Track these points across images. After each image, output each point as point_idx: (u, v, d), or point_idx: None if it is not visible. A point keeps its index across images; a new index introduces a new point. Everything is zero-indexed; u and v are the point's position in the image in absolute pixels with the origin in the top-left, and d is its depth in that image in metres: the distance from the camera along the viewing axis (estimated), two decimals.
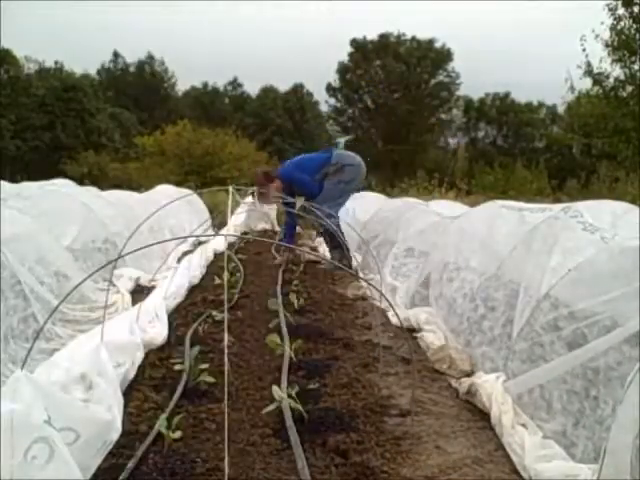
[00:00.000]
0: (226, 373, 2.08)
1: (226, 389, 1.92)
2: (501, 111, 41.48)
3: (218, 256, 6.63)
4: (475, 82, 50.12)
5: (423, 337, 3.50)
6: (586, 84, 14.79)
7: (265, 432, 2.29)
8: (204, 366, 2.77)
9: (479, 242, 3.64)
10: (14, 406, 1.51)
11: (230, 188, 3.33)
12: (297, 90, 41.83)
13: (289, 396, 2.43)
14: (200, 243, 7.10)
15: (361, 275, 4.99)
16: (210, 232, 8.22)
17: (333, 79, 40.46)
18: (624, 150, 14.53)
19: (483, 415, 2.51)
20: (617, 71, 14.37)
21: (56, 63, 36.37)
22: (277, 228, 9.86)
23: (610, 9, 13.82)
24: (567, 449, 2.02)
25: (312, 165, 6.35)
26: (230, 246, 7.41)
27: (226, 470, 1.59)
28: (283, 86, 42.28)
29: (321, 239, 7.27)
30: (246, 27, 68.03)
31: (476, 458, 2.16)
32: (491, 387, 2.48)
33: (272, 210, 10.03)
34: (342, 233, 5.69)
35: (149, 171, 23.07)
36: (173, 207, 5.90)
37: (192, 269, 5.36)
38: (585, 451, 1.98)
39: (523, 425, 2.23)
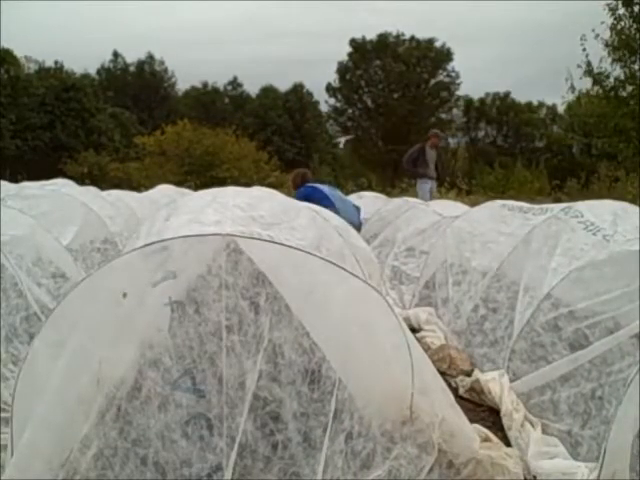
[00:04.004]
0: None
1: None
2: (501, 111, 41.46)
3: None
4: (475, 82, 50.20)
5: (423, 337, 3.51)
6: (586, 84, 14.79)
7: None
8: None
9: (480, 242, 3.64)
10: None
11: None
12: (297, 90, 41.79)
13: None
14: None
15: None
16: None
17: (333, 79, 40.46)
18: (624, 150, 14.52)
19: (487, 410, 2.53)
20: (617, 71, 14.36)
21: (56, 63, 36.25)
22: None
23: (610, 9, 13.80)
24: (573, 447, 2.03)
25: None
26: None
27: None
28: (283, 86, 42.26)
29: None
30: (246, 27, 68.04)
31: None
32: (500, 385, 2.50)
33: None
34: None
35: (149, 171, 23.03)
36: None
37: None
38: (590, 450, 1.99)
39: (530, 423, 2.25)
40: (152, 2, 54.64)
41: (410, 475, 1.83)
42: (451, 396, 2.03)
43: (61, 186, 6.44)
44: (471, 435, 1.98)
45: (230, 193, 2.62)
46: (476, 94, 41.78)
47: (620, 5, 13.85)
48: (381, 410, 1.90)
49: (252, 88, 43.82)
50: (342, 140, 42.50)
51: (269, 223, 2.25)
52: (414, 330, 3.71)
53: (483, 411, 2.54)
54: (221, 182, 18.77)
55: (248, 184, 9.06)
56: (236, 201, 2.37)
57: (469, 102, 41.60)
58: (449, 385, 2.90)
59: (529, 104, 41.79)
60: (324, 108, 41.75)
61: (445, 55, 39.29)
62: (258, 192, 2.89)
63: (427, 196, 9.40)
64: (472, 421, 2.42)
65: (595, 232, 2.60)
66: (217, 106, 42.21)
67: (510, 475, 1.93)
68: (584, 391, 2.12)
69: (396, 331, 1.88)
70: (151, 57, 43.15)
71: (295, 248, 1.88)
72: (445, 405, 1.95)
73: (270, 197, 2.75)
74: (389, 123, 38.09)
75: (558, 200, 12.41)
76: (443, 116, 40.77)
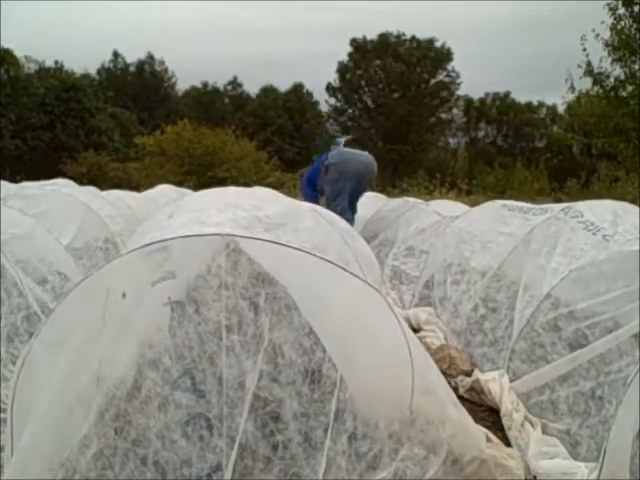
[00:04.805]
0: None
1: None
2: (501, 111, 41.45)
3: None
4: (475, 82, 50.21)
5: (423, 337, 3.51)
6: (586, 84, 14.79)
7: None
8: None
9: (480, 242, 3.64)
10: None
11: None
12: (297, 90, 41.80)
13: None
14: None
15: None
16: None
17: (333, 79, 40.49)
18: (624, 150, 14.53)
19: (487, 410, 2.53)
20: (617, 71, 14.37)
21: (56, 63, 36.24)
22: None
23: (610, 9, 13.80)
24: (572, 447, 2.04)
25: (313, 171, 6.27)
26: None
27: None
28: (283, 86, 42.27)
29: None
30: (246, 27, 68.03)
31: None
32: (500, 385, 2.50)
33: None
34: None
35: (149, 171, 23.04)
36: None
37: None
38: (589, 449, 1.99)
39: (530, 423, 2.25)
40: (152, 2, 54.65)
41: (416, 475, 1.83)
42: (454, 395, 2.03)
43: (61, 186, 6.43)
44: (477, 434, 1.98)
45: (233, 193, 2.61)
46: (476, 94, 41.80)
47: (620, 5, 13.85)
48: (382, 411, 1.90)
49: (252, 88, 43.90)
50: (342, 140, 42.41)
51: (275, 224, 2.24)
52: (414, 330, 3.71)
53: (483, 411, 2.54)
54: (221, 182, 18.76)
55: (248, 184, 9.05)
56: (239, 201, 2.36)
57: (469, 102, 41.60)
58: (449, 385, 2.90)
59: (529, 104, 41.79)
60: (324, 108, 41.78)
61: (445, 55, 39.31)
62: (262, 193, 2.87)
63: None
64: (478, 421, 2.42)
65: (595, 232, 2.60)
66: (217, 106, 42.23)
67: (513, 476, 1.92)
68: (583, 390, 2.12)
69: (396, 331, 1.88)
70: (151, 57, 43.19)
71: (295, 248, 1.88)
72: (450, 404, 1.95)
73: (275, 199, 2.73)
74: (389, 123, 38.11)
75: (558, 200, 12.42)
76: (443, 116, 40.80)
